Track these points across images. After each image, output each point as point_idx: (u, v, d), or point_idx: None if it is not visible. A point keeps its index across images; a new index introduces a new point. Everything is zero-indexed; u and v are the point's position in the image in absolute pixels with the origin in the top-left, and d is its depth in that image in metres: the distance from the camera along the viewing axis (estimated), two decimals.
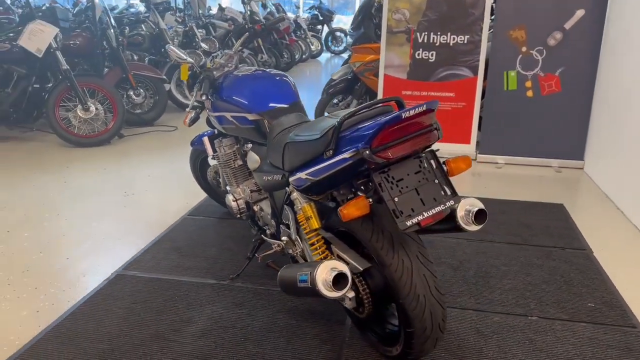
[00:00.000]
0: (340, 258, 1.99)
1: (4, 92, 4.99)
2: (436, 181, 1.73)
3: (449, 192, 1.73)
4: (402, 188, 1.68)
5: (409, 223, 1.64)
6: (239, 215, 2.65)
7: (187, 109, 2.72)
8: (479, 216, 1.89)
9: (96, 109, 5.04)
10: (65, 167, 4.45)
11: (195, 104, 2.77)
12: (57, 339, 2.18)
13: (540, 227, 3.29)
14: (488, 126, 4.63)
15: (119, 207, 3.58)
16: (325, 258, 2.00)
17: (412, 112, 1.57)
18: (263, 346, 2.14)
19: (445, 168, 1.79)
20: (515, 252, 2.95)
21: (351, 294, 1.95)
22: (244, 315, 2.34)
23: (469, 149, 4.73)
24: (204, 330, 2.23)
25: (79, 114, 4.97)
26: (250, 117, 2.36)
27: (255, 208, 2.59)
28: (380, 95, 4.76)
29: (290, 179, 1.98)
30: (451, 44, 4.56)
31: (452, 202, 1.72)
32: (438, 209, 1.69)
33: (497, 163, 4.64)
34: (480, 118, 4.69)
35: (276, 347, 2.13)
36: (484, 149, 4.68)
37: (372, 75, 4.95)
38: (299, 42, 11.73)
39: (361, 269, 1.88)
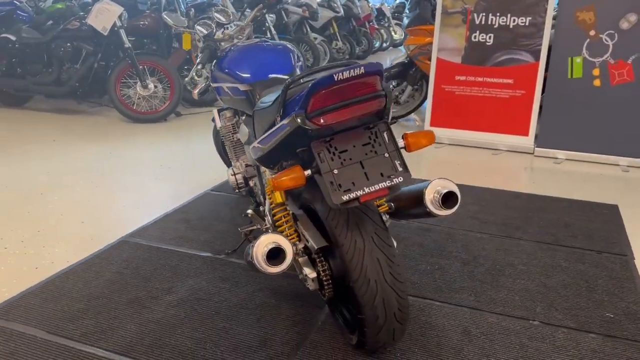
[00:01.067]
0: (302, 236, 1.87)
1: (72, 67, 5.30)
2: (386, 155, 1.56)
3: (399, 169, 1.55)
4: (344, 160, 1.53)
5: (345, 197, 1.49)
6: (237, 190, 2.60)
7: (186, 79, 2.70)
8: (449, 200, 1.69)
9: (155, 87, 5.22)
10: (116, 140, 4.64)
11: (208, 75, 2.75)
12: (42, 295, 2.25)
13: (580, 228, 2.94)
14: (548, 117, 4.24)
15: (150, 179, 3.67)
16: (291, 235, 1.89)
17: (346, 74, 1.42)
18: (231, 321, 2.07)
19: (402, 142, 1.61)
20: (541, 251, 2.66)
21: (312, 274, 1.83)
22: (224, 290, 2.28)
23: (527, 141, 4.36)
24: (180, 301, 2.21)
25: (138, 91, 5.17)
26: (241, 87, 2.29)
27: (251, 183, 2.53)
28: (431, 81, 4.52)
29: (250, 149, 1.89)
30: (511, 26, 4.21)
31: (400, 179, 1.55)
32: (382, 184, 1.52)
33: (556, 158, 4.24)
34: (541, 108, 4.30)
35: (244, 324, 2.06)
36: (543, 142, 4.29)
37: (426, 59, 4.70)
38: (381, 30, 11.50)
39: (316, 247, 1.75)
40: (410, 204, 1.81)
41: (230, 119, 2.59)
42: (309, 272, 1.82)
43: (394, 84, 5.15)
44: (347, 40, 9.31)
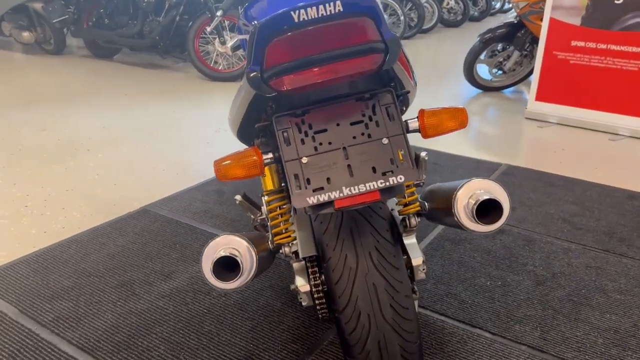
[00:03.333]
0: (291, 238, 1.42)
1: (155, 20, 5.15)
2: (385, 141, 1.05)
3: (403, 163, 1.04)
4: (320, 144, 1.05)
5: (312, 200, 1.01)
6: None
7: (208, 28, 2.29)
8: (488, 211, 1.15)
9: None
10: (184, 98, 4.43)
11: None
12: (34, 265, 2.03)
13: None
14: None
15: (202, 142, 3.38)
16: (282, 232, 1.45)
17: (311, 12, 0.93)
18: (221, 325, 1.70)
19: (414, 123, 1.09)
20: None
21: (304, 287, 1.39)
22: None
23: None
24: (174, 290, 1.88)
25: (217, 47, 4.91)
26: None
27: None
28: (541, 46, 3.74)
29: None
30: None
31: (401, 178, 1.03)
32: (372, 185, 1.02)
33: None
34: None
35: (234, 330, 1.68)
36: None
37: (539, 19, 3.92)
38: None
39: (301, 256, 1.30)
40: (440, 207, 1.29)
41: None
42: (301, 285, 1.38)
43: (498, 48, 4.41)
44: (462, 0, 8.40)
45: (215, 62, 5.00)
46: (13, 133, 3.53)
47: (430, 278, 1.95)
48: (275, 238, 1.38)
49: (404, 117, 1.65)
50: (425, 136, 1.11)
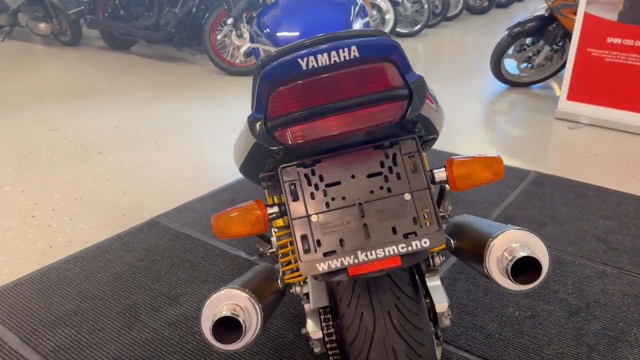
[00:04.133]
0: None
1: (171, 12, 5.03)
2: (407, 197, 0.91)
3: (428, 223, 0.90)
4: (333, 199, 0.92)
5: (322, 267, 0.88)
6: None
7: (219, 36, 2.15)
8: (524, 267, 1.01)
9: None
10: (200, 94, 4.31)
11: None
12: (38, 285, 1.95)
13: None
14: None
15: (216, 145, 3.27)
16: (291, 271, 1.32)
17: (322, 59, 0.79)
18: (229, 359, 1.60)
19: (441, 174, 0.95)
20: None
21: (317, 334, 1.27)
22: None
23: None
24: (181, 317, 1.78)
25: (233, 40, 4.77)
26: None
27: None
28: (574, 42, 3.52)
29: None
30: None
31: (426, 243, 0.90)
32: (390, 250, 0.89)
33: None
34: None
35: None
36: None
37: (572, 12, 3.69)
38: None
39: (312, 306, 1.18)
40: (468, 251, 1.15)
41: None
42: (313, 331, 1.26)
43: (527, 42, 4.19)
44: None
45: (232, 56, 4.87)
46: (25, 133, 3.46)
47: (455, 306, 1.82)
48: (286, 277, 1.26)
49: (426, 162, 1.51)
50: (454, 189, 0.97)
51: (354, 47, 0.81)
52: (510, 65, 4.34)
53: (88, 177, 2.82)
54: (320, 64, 0.82)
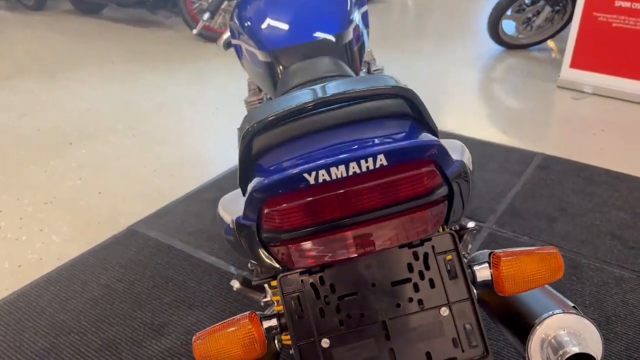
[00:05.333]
0: None
1: None
2: (445, 311, 0.73)
3: (472, 344, 0.72)
4: (347, 316, 0.73)
5: None
6: None
7: (194, 31, 1.88)
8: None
9: None
10: (177, 66, 4.00)
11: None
12: (7, 316, 1.76)
13: None
14: None
15: (198, 129, 3.03)
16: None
17: (339, 172, 0.59)
18: None
19: (483, 271, 0.77)
20: None
21: None
22: None
23: None
24: (167, 352, 1.61)
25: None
26: (260, 56, 1.47)
27: None
28: (579, 5, 3.26)
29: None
30: None
31: None
32: None
33: None
34: None
35: None
36: None
37: None
38: None
39: None
40: (505, 320, 0.97)
41: (256, 91, 1.80)
42: None
43: (527, 1, 3.92)
44: None
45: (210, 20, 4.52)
46: None
47: None
48: (284, 337, 1.09)
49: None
50: (502, 292, 0.78)
51: (381, 156, 0.61)
52: (508, 26, 4.07)
53: (59, 175, 2.58)
54: (334, 177, 0.62)
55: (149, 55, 4.24)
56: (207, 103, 3.34)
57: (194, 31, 1.83)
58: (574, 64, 3.36)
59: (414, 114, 0.78)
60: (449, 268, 0.74)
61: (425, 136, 0.66)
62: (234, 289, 1.25)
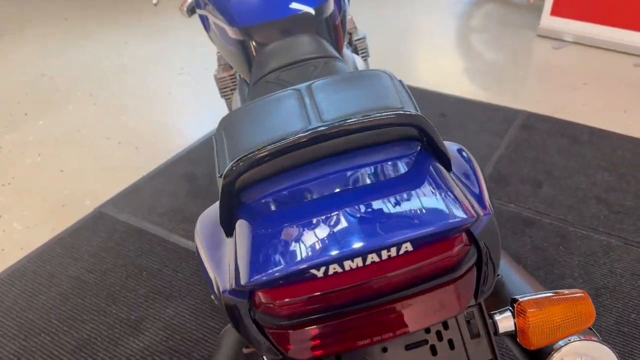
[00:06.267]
0: None
1: None
2: None
3: None
4: None
5: None
6: None
7: (154, 1, 1.69)
8: None
9: None
10: (136, 22, 3.73)
11: None
12: None
13: None
14: None
15: (163, 94, 2.84)
16: None
17: (354, 264, 0.49)
18: None
19: (501, 324, 0.68)
20: None
21: None
22: (211, 333, 1.57)
23: None
24: (146, 351, 1.53)
25: None
26: (231, 33, 1.31)
27: None
28: None
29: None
30: None
31: None
32: None
33: None
34: None
35: None
36: None
37: None
38: None
39: None
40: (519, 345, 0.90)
41: (227, 67, 1.64)
42: None
43: None
44: None
45: None
46: None
47: None
48: None
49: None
50: (527, 345, 0.69)
51: (407, 244, 0.50)
52: None
53: (16, 152, 2.40)
54: (347, 269, 0.51)
55: (106, 10, 3.94)
56: (171, 63, 3.13)
57: (154, 0, 1.63)
58: (555, 12, 3.24)
59: (422, 136, 0.68)
60: (469, 325, 0.66)
61: (454, 205, 0.55)
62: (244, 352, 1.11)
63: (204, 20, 1.51)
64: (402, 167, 0.63)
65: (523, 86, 2.80)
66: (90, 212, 2.03)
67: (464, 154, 0.82)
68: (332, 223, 0.54)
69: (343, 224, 0.54)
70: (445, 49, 3.20)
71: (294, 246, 0.54)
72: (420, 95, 2.68)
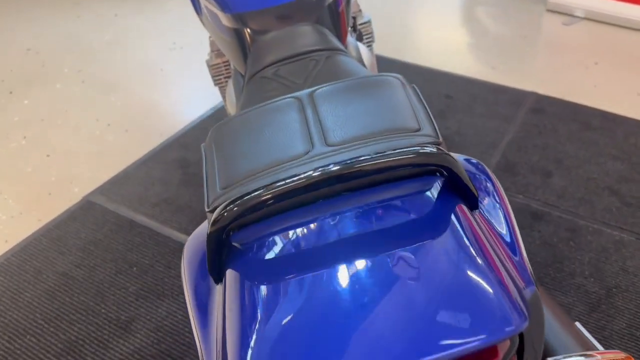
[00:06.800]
0: None
1: None
2: None
3: None
4: None
5: None
6: None
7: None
8: None
9: None
10: None
11: None
12: None
13: None
14: None
15: (154, 70, 2.71)
16: None
17: None
18: None
19: None
20: None
21: None
22: None
23: None
24: (136, 354, 1.46)
25: None
26: (224, 20, 1.19)
27: None
28: None
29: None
30: None
31: None
32: None
33: None
34: None
35: None
36: None
37: None
38: None
39: None
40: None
41: (220, 53, 1.52)
42: None
43: None
44: None
45: None
46: None
47: None
48: None
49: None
50: None
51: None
52: None
53: (0, 135, 2.29)
54: None
55: None
56: (162, 36, 2.98)
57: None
58: None
59: (446, 172, 0.58)
60: None
61: (502, 298, 0.45)
62: None
63: (194, 2, 1.38)
64: (423, 213, 0.54)
65: (531, 65, 2.68)
66: (78, 201, 1.94)
67: (484, 175, 0.73)
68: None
69: (360, 332, 0.45)
70: (451, 23, 3.05)
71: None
72: (424, 74, 2.56)
